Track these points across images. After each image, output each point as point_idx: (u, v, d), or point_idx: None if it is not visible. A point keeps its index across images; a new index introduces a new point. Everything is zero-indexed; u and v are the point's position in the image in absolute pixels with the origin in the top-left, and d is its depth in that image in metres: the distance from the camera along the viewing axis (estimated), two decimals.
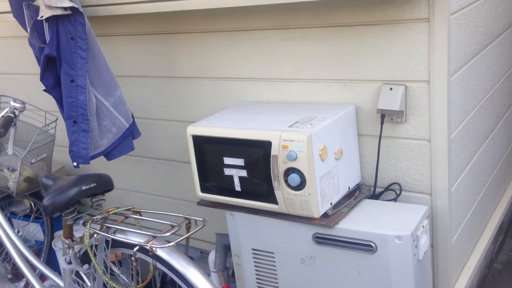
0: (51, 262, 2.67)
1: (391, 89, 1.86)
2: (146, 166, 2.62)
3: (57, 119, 2.22)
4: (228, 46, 2.15)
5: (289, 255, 1.91)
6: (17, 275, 2.53)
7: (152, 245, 1.44)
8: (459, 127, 1.97)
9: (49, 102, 2.38)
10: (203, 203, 2.03)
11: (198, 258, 2.68)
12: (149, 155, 2.58)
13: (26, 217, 2.61)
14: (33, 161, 2.13)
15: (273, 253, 1.95)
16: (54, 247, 2.60)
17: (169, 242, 1.48)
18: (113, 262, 1.86)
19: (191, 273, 1.48)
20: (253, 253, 2.00)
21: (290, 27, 1.99)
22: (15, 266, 2.29)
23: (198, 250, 2.67)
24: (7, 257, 2.35)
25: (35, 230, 2.67)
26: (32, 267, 2.11)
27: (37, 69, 2.08)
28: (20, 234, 2.60)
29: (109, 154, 2.17)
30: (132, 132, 2.22)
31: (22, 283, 2.39)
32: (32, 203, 2.43)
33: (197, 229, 1.49)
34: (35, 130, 2.18)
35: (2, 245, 2.16)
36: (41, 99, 2.67)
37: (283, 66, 2.06)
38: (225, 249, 2.22)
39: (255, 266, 2.01)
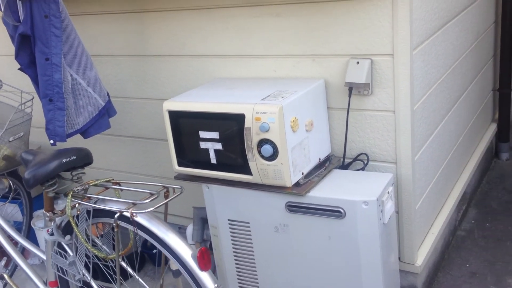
0: (31, 241, 2.70)
1: (357, 62, 1.95)
2: (124, 144, 2.67)
3: (33, 98, 2.25)
4: (200, 23, 2.21)
5: (263, 224, 2.00)
6: None
7: (132, 211, 1.51)
8: (422, 99, 2.08)
9: (25, 83, 2.39)
10: (180, 177, 2.10)
11: None
12: (126, 133, 2.63)
13: (4, 198, 2.63)
14: (10, 139, 2.16)
15: (248, 222, 2.03)
16: (33, 226, 2.65)
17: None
18: (95, 236, 1.92)
19: (170, 238, 1.56)
20: (229, 224, 2.08)
21: (261, 4, 2.05)
22: None
23: (177, 226, 2.73)
24: None
25: (13, 211, 2.70)
26: (14, 244, 2.16)
27: (12, 50, 2.09)
28: None
29: (85, 132, 2.22)
30: (108, 110, 2.27)
31: (3, 262, 2.43)
32: (10, 182, 2.46)
33: (175, 195, 1.56)
34: (12, 109, 2.21)
35: None
36: (17, 80, 2.67)
37: (255, 43, 2.13)
38: (202, 222, 2.30)
39: (232, 236, 2.09)
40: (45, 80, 2.04)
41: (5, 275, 2.11)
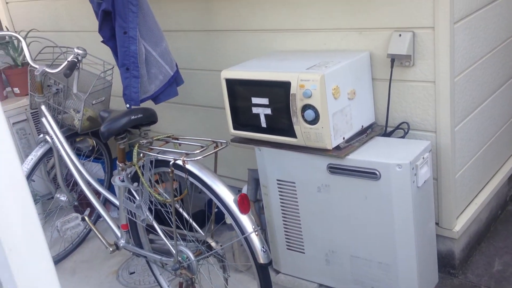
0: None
1: (400, 35, 2.07)
2: (192, 112, 2.95)
3: (113, 66, 2.58)
4: (260, 1, 2.42)
5: (307, 184, 2.20)
6: (82, 205, 2.97)
7: (184, 159, 1.77)
8: (465, 72, 2.16)
9: (107, 56, 2.74)
10: (236, 139, 2.35)
11: None
12: (194, 102, 2.91)
13: (87, 158, 3.03)
14: (93, 102, 2.51)
15: (294, 182, 2.24)
16: (113, 182, 3.02)
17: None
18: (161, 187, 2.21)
19: (217, 184, 1.81)
20: (278, 183, 2.30)
21: None
22: (80, 195, 2.70)
23: (237, 189, 2.99)
24: (74, 188, 2.78)
25: (95, 168, 3.10)
26: (97, 195, 2.51)
27: (96, 26, 2.43)
28: None
29: (156, 98, 2.52)
30: (176, 79, 2.56)
31: (87, 212, 2.81)
32: (94, 142, 2.83)
33: (221, 147, 1.81)
34: (95, 76, 2.56)
35: (70, 175, 2.57)
36: (100, 54, 3.04)
37: (307, 18, 2.31)
38: (256, 183, 2.54)
39: (280, 194, 2.31)
40: (123, 51, 2.36)
41: (86, 217, 2.47)
